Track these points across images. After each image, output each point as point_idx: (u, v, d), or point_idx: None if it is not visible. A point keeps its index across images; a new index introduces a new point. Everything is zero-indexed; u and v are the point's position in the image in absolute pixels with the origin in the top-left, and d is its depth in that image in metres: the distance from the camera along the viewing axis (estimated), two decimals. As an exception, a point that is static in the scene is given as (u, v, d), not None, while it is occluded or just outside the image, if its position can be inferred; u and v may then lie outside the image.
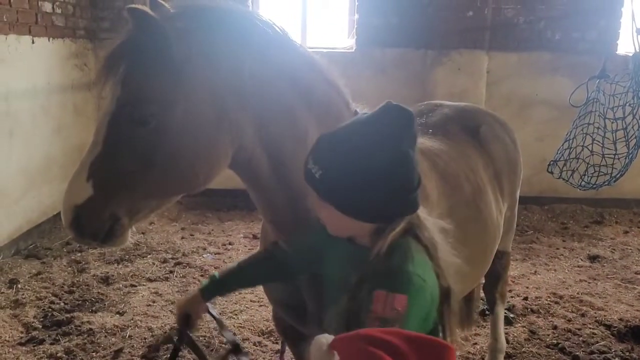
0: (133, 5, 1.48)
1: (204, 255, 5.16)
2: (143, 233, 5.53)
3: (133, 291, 4.33)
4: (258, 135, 1.65)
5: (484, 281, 3.19)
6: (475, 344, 3.71)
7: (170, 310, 4.00)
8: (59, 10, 5.75)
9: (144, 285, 4.39)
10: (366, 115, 1.43)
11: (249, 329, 3.82)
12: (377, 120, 1.39)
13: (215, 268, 4.76)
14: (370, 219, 1.41)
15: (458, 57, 6.37)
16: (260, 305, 4.14)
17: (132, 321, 3.84)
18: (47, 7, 5.55)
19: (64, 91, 5.85)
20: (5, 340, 3.55)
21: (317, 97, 1.72)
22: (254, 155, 1.67)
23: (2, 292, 4.24)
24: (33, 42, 5.29)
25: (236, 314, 4.01)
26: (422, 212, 1.49)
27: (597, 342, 3.75)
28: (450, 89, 6.24)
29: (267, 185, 1.73)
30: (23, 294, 4.19)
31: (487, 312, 3.37)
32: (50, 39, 5.59)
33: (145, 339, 3.65)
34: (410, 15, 6.48)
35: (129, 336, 3.67)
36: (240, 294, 4.21)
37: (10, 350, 3.45)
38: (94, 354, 3.45)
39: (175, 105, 1.51)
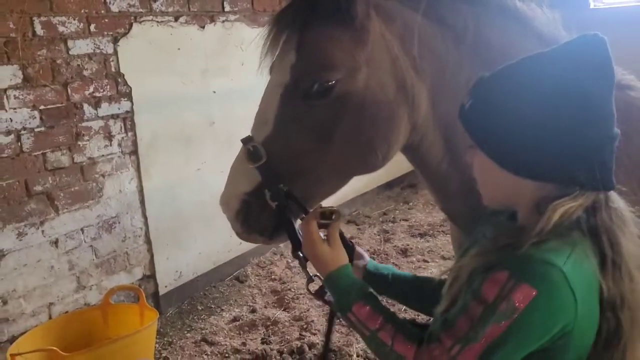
0: None
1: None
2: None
3: (424, 266, 4.36)
4: (432, 112, 1.43)
5: None
6: None
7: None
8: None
9: (436, 262, 4.39)
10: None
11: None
12: (562, 49, 1.07)
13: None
14: (525, 171, 1.05)
15: None
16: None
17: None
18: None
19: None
20: (306, 292, 4.19)
21: (518, 56, 1.29)
22: (425, 136, 1.46)
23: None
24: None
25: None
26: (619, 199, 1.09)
27: None
28: None
29: (436, 171, 1.50)
30: (333, 255, 4.65)
31: None
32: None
33: (419, 315, 3.71)
34: None
35: (405, 309, 3.78)
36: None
37: (307, 301, 3.99)
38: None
39: (358, 71, 1.34)
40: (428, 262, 4.46)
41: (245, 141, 1.40)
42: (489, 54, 1.43)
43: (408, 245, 4.77)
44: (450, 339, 1.02)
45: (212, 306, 4.00)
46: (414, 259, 4.54)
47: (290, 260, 4.62)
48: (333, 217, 1.34)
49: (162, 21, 3.72)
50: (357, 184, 5.76)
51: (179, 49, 3.85)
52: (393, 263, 4.48)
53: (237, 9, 4.27)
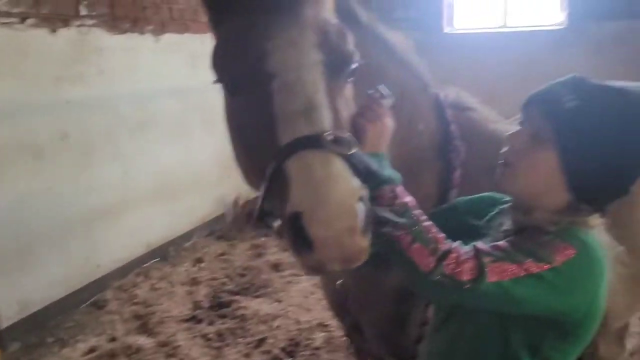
0: None
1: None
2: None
3: (296, 280, 4.37)
4: None
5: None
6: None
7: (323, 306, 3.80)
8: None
9: (307, 276, 4.31)
10: None
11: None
12: None
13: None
14: (581, 191, 1.13)
15: None
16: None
17: (283, 311, 3.88)
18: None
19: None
20: (173, 315, 3.89)
21: (385, 79, 1.42)
22: None
23: (186, 270, 4.69)
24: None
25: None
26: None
27: None
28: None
29: None
30: (202, 273, 4.57)
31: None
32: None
33: (290, 331, 3.69)
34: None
35: (277, 326, 3.71)
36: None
37: (174, 324, 3.77)
38: (240, 339, 3.57)
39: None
40: (300, 276, 4.44)
41: (317, 138, 1.09)
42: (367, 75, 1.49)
43: (280, 259, 4.73)
44: (487, 249, 1.08)
45: (65, 337, 3.62)
46: (286, 274, 4.51)
47: (155, 282, 4.37)
48: None
49: (6, 22, 3.34)
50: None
51: (26, 53, 3.48)
52: (265, 278, 4.43)
53: (94, 13, 3.98)
